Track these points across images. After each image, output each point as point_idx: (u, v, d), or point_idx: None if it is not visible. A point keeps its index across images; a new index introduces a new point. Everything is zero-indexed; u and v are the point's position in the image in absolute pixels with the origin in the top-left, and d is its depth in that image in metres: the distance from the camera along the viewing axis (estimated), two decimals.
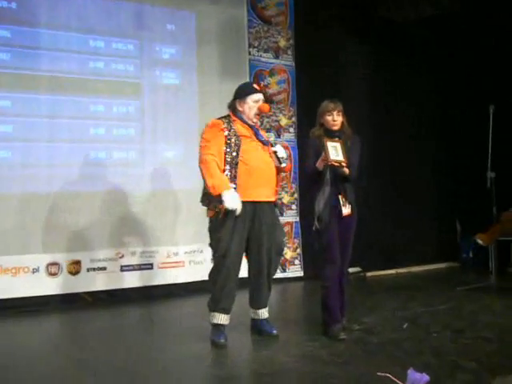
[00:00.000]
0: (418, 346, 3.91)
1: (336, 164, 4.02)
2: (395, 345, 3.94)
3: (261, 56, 7.27)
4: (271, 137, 7.23)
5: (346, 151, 4.10)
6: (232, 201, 4.00)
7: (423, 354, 3.68)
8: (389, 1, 7.20)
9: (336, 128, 4.23)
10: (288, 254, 7.31)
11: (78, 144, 6.09)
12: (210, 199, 4.13)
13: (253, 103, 4.26)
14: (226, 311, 4.17)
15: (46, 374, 3.57)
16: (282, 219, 7.30)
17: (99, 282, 6.08)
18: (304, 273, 7.37)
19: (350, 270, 7.27)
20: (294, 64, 7.48)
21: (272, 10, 7.39)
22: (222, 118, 4.31)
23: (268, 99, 4.43)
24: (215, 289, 4.16)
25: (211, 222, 4.23)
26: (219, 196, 4.01)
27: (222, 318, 4.17)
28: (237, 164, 4.11)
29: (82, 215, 6.03)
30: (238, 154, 4.12)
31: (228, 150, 4.13)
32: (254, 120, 4.31)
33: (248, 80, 7.08)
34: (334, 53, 7.66)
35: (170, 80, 6.65)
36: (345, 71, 7.73)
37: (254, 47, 7.22)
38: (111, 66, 6.33)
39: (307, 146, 4.39)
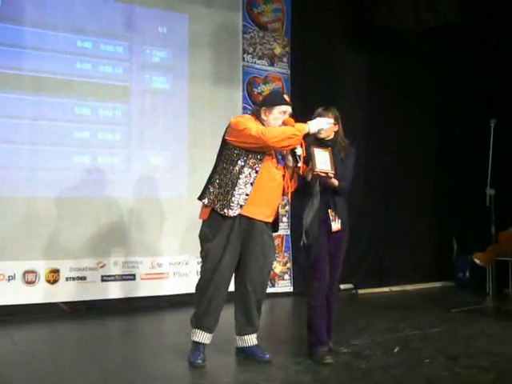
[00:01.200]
0: (409, 373, 3.65)
1: (322, 174, 3.77)
2: (384, 371, 3.68)
3: (255, 63, 7.04)
4: None
5: (338, 162, 3.86)
6: (318, 123, 3.84)
7: (414, 383, 3.41)
8: (388, 10, 6.97)
9: (322, 136, 3.98)
10: (278, 268, 7.06)
11: (61, 148, 5.86)
12: (219, 197, 3.83)
13: (278, 114, 3.94)
14: (208, 330, 3.90)
15: None
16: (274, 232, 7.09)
17: (78, 292, 5.83)
18: (294, 288, 7.11)
19: (342, 286, 7.07)
20: (289, 72, 7.25)
21: (268, 15, 7.17)
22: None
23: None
24: (200, 304, 3.89)
25: (203, 227, 3.95)
26: (307, 134, 3.83)
27: (203, 337, 3.90)
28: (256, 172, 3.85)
29: (62, 221, 5.79)
30: (259, 166, 3.85)
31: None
32: None
33: (241, 87, 6.87)
34: (331, 61, 7.45)
35: (159, 84, 6.42)
36: (341, 80, 7.51)
37: (249, 53, 6.99)
38: (99, 68, 6.11)
39: None
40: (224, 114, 6.53)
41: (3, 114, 5.61)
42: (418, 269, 7.90)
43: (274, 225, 4.09)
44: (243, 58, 6.95)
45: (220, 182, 3.86)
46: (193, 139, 6.45)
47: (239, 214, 3.80)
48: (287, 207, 7.17)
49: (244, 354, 4.03)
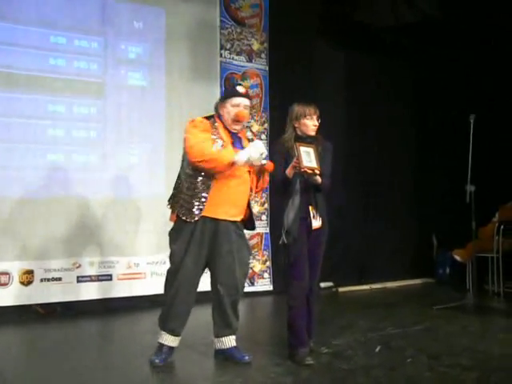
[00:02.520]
0: (391, 373, 3.58)
1: (309, 171, 3.67)
2: (366, 372, 3.60)
3: (233, 59, 6.93)
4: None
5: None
6: (256, 150, 3.67)
7: None
8: (367, 6, 6.92)
9: (313, 133, 3.90)
10: (257, 266, 6.98)
11: (34, 145, 5.71)
12: (180, 202, 3.76)
13: (231, 108, 3.82)
14: (173, 333, 3.80)
15: None
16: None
17: (54, 294, 5.69)
18: (273, 287, 7.02)
19: (322, 284, 7.01)
20: (267, 68, 7.16)
21: (246, 11, 7.06)
22: (207, 117, 3.89)
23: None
24: (164, 306, 3.82)
25: (171, 229, 3.88)
26: (233, 163, 3.65)
27: (168, 340, 3.80)
28: (213, 175, 3.73)
29: (36, 221, 5.64)
30: None
31: None
32: (235, 127, 3.87)
33: (218, 83, 6.76)
34: (309, 58, 7.37)
35: (135, 80, 6.29)
36: (320, 77, 7.43)
37: (226, 49, 6.88)
38: (73, 64, 5.96)
39: (275, 153, 4.05)
40: (202, 111, 6.37)
41: None
42: (398, 266, 7.88)
43: (249, 223, 4.00)
44: (221, 54, 6.84)
45: (181, 187, 3.81)
46: (169, 137, 6.32)
47: (202, 217, 3.71)
48: (266, 205, 7.09)
49: (223, 355, 3.93)
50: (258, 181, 3.97)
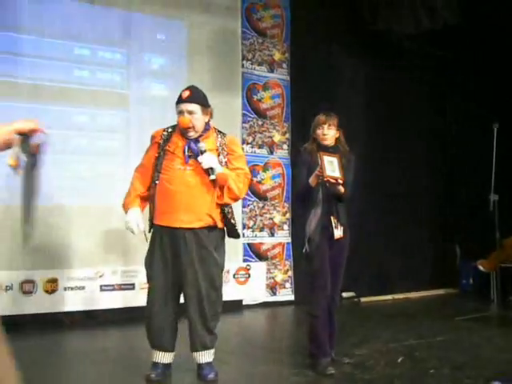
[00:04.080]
0: None
1: (332, 180, 3.68)
2: (388, 382, 3.59)
3: (254, 69, 6.98)
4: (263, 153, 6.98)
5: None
6: (129, 221, 3.68)
7: None
8: (388, 14, 6.91)
9: (326, 143, 3.93)
10: (279, 276, 6.98)
11: (59, 156, 5.75)
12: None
13: (177, 115, 3.71)
14: (159, 348, 3.70)
15: None
16: (274, 239, 7.02)
17: (77, 302, 5.73)
18: (295, 297, 7.01)
19: (344, 294, 6.97)
20: (288, 78, 7.19)
21: (268, 22, 7.12)
22: (169, 127, 3.82)
23: (208, 111, 3.81)
24: (145, 323, 3.75)
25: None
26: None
27: (157, 356, 3.72)
28: (156, 183, 3.68)
29: (60, 231, 5.70)
30: (159, 171, 3.68)
31: (156, 165, 3.72)
32: (189, 134, 3.68)
33: (240, 93, 6.81)
34: (330, 67, 7.39)
35: (158, 91, 6.35)
36: (341, 86, 7.44)
37: (248, 60, 6.93)
38: (97, 75, 6.04)
39: (298, 162, 4.08)
40: (223, 121, 6.42)
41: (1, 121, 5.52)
42: (421, 276, 7.83)
43: (230, 231, 3.82)
44: (242, 65, 6.89)
45: None
46: None
47: (156, 226, 3.68)
48: (288, 215, 7.09)
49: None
50: (220, 192, 3.71)
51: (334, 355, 4.02)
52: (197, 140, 3.69)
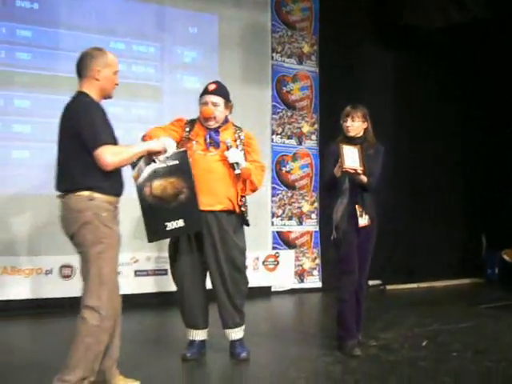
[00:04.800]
0: (437, 366, 3.72)
1: (351, 171, 3.84)
2: (412, 364, 3.76)
3: (284, 61, 7.14)
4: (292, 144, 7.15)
5: (367, 159, 3.93)
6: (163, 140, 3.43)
7: (441, 376, 3.49)
8: (415, 7, 7.00)
9: (351, 134, 4.06)
10: (306, 264, 7.16)
11: None
12: None
13: (200, 106, 3.94)
14: (193, 326, 3.95)
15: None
16: (302, 228, 7.19)
17: None
18: (323, 284, 7.18)
19: (370, 282, 7.12)
20: (317, 70, 7.33)
21: (297, 15, 7.26)
22: (191, 119, 4.02)
23: (228, 103, 3.99)
24: (179, 304, 3.98)
25: None
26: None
27: (192, 334, 3.97)
28: None
29: None
30: None
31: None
32: (206, 123, 3.89)
33: (270, 85, 6.97)
34: (358, 59, 7.51)
35: (190, 83, 6.55)
36: (369, 78, 7.55)
37: (278, 52, 7.09)
38: (131, 69, 6.25)
39: (326, 153, 4.24)
40: (253, 113, 6.67)
41: (42, 114, 5.78)
42: (446, 265, 7.93)
43: (242, 218, 3.97)
44: (272, 57, 7.06)
45: None
46: None
47: None
48: (316, 204, 7.26)
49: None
50: (243, 185, 3.92)
51: (361, 338, 4.19)
52: (216, 131, 3.93)
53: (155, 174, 3.37)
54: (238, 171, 3.82)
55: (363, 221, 4.01)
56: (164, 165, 3.33)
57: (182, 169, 3.38)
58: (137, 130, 6.18)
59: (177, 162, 3.36)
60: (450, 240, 8.10)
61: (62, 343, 4.36)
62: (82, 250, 3.11)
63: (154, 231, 3.46)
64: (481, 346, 4.22)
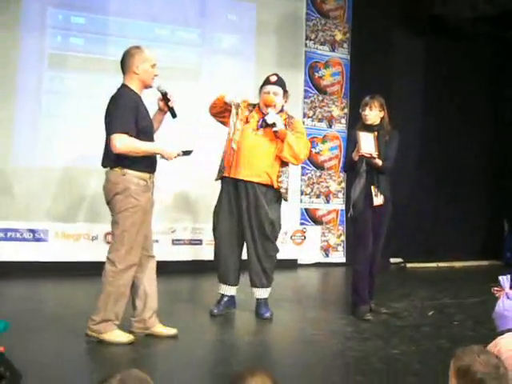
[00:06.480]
0: (438, 331, 4.19)
1: (367, 155, 4.29)
2: (416, 328, 4.23)
3: (317, 48, 7.54)
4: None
5: (383, 145, 4.37)
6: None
7: (440, 339, 3.95)
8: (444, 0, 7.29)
9: (368, 122, 4.50)
10: (332, 240, 7.60)
11: None
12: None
13: (262, 94, 4.52)
14: (223, 281, 4.51)
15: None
16: (329, 206, 7.63)
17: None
18: (346, 259, 7.63)
19: (392, 260, 7.57)
20: (349, 57, 7.72)
21: (331, 4, 7.63)
22: (253, 103, 4.62)
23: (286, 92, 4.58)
24: (214, 261, 4.55)
25: None
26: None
27: (222, 288, 4.53)
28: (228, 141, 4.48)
29: None
30: (232, 132, 4.46)
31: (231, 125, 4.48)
32: (269, 110, 4.43)
33: (303, 71, 7.39)
34: (389, 48, 7.82)
35: (228, 68, 6.98)
36: (398, 66, 7.88)
37: (311, 40, 7.49)
38: (174, 53, 6.72)
39: (348, 139, 4.70)
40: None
41: (92, 94, 6.28)
42: (467, 247, 8.23)
43: (279, 193, 4.50)
44: (306, 44, 7.46)
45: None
46: None
47: (223, 177, 4.45)
48: (343, 184, 7.68)
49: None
50: (281, 146, 4.50)
51: (373, 306, 4.67)
52: None
53: None
54: (275, 128, 4.38)
55: (378, 200, 4.46)
56: None
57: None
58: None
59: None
60: (473, 223, 8.40)
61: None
62: (113, 214, 3.73)
63: None
64: (482, 317, 4.58)
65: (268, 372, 1.65)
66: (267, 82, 4.54)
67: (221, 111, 4.58)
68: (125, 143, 3.54)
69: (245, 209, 4.40)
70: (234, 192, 4.44)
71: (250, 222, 4.40)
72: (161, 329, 3.83)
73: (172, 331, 3.84)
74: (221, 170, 4.52)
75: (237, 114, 4.48)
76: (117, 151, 3.56)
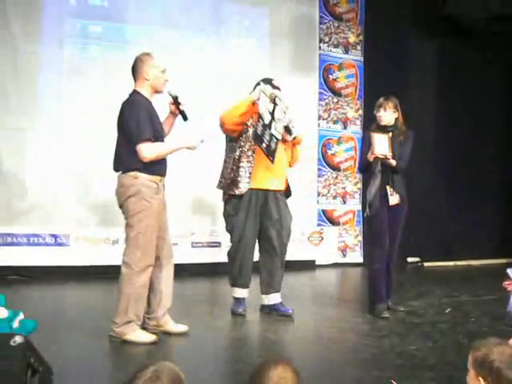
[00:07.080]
0: (454, 327, 4.24)
1: (381, 156, 4.36)
2: (433, 325, 4.29)
3: (331, 51, 7.63)
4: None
5: (397, 145, 4.44)
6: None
7: (457, 335, 4.01)
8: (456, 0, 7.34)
9: (383, 123, 4.56)
10: (349, 240, 7.67)
11: None
12: (226, 183, 4.56)
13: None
14: (244, 286, 4.59)
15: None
16: (346, 207, 7.70)
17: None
18: (364, 259, 7.68)
19: (409, 259, 7.61)
20: (362, 59, 7.79)
21: (343, 6, 7.72)
22: None
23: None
24: (233, 267, 4.58)
25: (226, 206, 4.66)
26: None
27: (240, 292, 4.60)
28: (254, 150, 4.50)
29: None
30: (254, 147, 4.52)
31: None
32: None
33: (317, 73, 7.47)
34: (402, 49, 7.90)
35: (243, 71, 7.07)
36: (412, 67, 7.95)
37: (325, 42, 7.58)
38: (190, 60, 6.82)
39: (363, 140, 4.77)
40: (302, 99, 7.17)
41: (110, 101, 6.32)
42: (484, 245, 8.25)
43: (287, 192, 4.70)
44: (319, 47, 7.55)
45: (225, 169, 4.62)
46: None
47: (251, 189, 4.47)
48: (359, 185, 7.74)
49: (268, 310, 4.63)
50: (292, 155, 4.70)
51: (391, 304, 4.73)
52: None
53: None
54: (294, 134, 4.54)
55: (394, 199, 4.52)
56: None
57: None
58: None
59: None
60: (489, 221, 8.41)
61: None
62: (126, 217, 3.81)
63: None
64: (500, 314, 4.65)
65: (290, 363, 1.72)
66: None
67: (245, 120, 4.55)
68: (152, 150, 3.63)
69: (276, 216, 4.52)
70: (261, 203, 4.51)
71: (281, 232, 4.55)
72: (173, 326, 3.94)
73: (183, 328, 3.95)
74: (246, 183, 4.49)
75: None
76: (147, 160, 3.64)
